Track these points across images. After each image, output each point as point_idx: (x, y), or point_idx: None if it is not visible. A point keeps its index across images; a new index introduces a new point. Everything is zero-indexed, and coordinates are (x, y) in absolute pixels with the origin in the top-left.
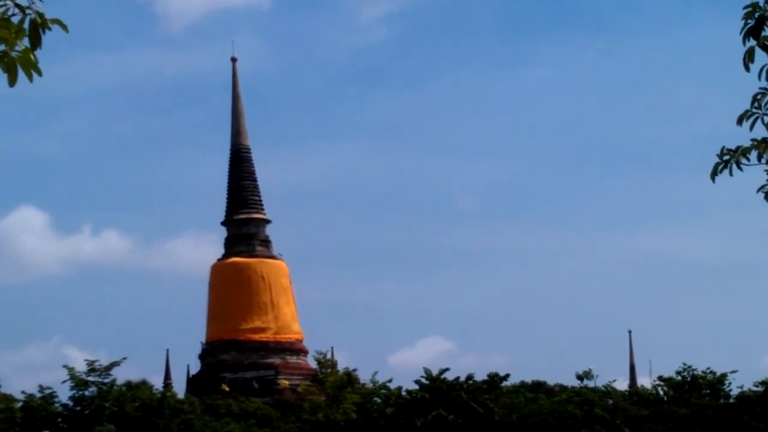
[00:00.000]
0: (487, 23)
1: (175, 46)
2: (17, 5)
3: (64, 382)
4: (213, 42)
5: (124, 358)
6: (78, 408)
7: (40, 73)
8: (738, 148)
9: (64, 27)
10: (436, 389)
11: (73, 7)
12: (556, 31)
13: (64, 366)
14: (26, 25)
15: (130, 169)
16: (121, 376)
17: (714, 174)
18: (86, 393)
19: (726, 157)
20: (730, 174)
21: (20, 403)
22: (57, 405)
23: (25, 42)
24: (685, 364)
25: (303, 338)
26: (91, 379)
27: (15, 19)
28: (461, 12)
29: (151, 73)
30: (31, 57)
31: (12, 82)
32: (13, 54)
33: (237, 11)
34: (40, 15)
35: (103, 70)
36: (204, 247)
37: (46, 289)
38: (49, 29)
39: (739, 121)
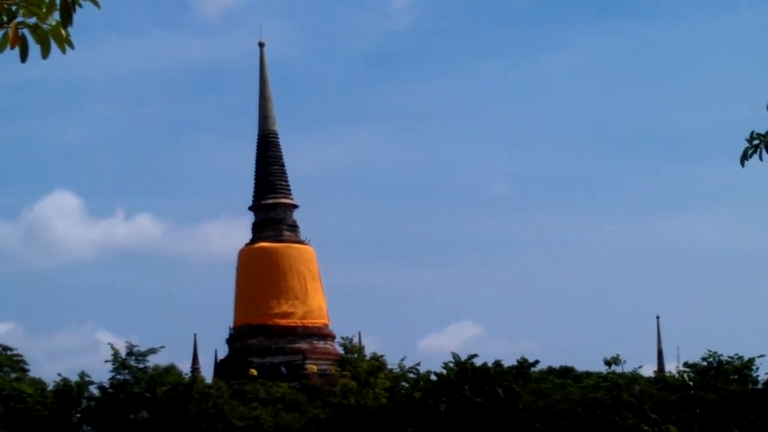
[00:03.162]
0: (518, 9)
1: (204, 32)
2: None
3: (107, 361)
4: (242, 27)
5: (162, 347)
6: (112, 391)
7: (72, 46)
8: None
9: (95, 3)
10: (464, 372)
11: None
12: (587, 17)
13: (108, 343)
14: (58, 1)
15: (161, 154)
16: (150, 360)
17: (744, 159)
18: (119, 377)
19: (755, 142)
20: (760, 159)
21: (51, 386)
22: (92, 389)
23: (56, 16)
24: (710, 351)
25: (330, 323)
26: (129, 363)
27: None
28: None
29: (180, 59)
30: (62, 32)
31: (45, 53)
32: (45, 26)
33: None
34: None
35: (133, 55)
36: (233, 232)
37: (80, 274)
38: (80, 6)
39: None
